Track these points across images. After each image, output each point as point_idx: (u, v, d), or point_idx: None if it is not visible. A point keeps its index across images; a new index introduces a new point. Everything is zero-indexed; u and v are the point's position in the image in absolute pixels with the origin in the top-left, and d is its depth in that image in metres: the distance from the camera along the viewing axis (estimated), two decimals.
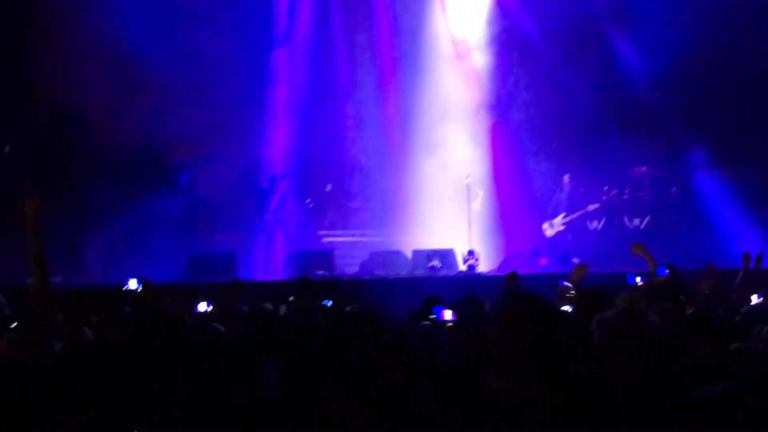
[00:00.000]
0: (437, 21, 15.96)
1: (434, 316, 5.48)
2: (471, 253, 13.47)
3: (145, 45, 14.22)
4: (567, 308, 6.01)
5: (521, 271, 12.68)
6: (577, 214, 14.48)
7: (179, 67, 14.40)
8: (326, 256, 13.43)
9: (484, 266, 13.92)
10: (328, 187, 15.60)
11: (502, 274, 13.01)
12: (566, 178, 14.64)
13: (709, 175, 14.86)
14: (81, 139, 14.30)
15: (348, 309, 6.58)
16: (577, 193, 14.92)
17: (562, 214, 14.60)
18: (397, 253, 13.97)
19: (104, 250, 13.66)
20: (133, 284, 6.99)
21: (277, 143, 15.39)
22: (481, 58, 15.75)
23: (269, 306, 7.27)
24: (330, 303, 6.90)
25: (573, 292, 6.22)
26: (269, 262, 13.87)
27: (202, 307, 7.44)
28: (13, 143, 13.69)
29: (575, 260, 13.47)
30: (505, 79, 15.87)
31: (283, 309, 7.51)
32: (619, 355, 3.56)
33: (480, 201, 14.74)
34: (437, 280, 12.15)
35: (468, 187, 14.28)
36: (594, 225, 14.76)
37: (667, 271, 6.70)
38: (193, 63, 14.60)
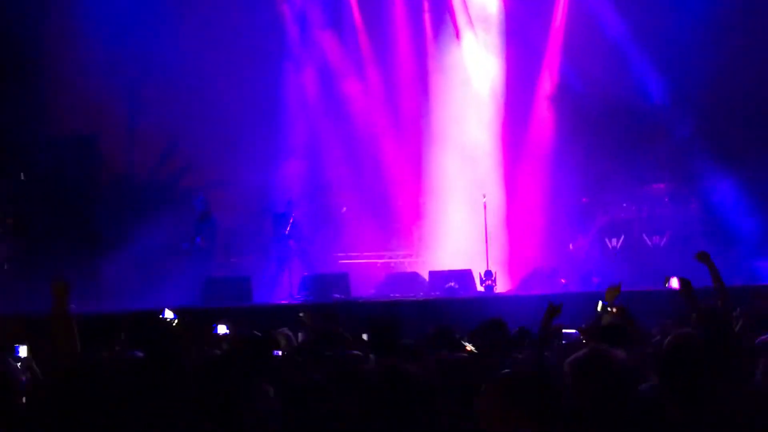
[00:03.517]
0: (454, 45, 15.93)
1: None
2: (488, 273, 13.30)
3: (157, 70, 14.25)
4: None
5: (541, 291, 12.63)
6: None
7: (192, 92, 14.43)
8: (342, 279, 13.29)
9: (502, 287, 13.75)
10: (344, 209, 15.51)
11: (522, 293, 12.95)
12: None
13: (730, 190, 14.66)
14: (94, 164, 14.29)
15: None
16: (595, 211, 14.81)
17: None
18: (414, 275, 13.83)
19: (119, 275, 13.61)
20: (169, 314, 6.79)
21: (292, 166, 15.33)
22: (496, 68, 15.69)
23: (286, 331, 7.10)
24: None
25: (614, 309, 6.14)
26: (285, 285, 13.75)
27: (222, 329, 7.31)
28: (26, 171, 13.67)
29: (595, 279, 13.29)
30: (523, 92, 15.80)
31: (300, 336, 7.39)
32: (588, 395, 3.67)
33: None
34: (454, 302, 11.99)
35: (485, 206, 14.14)
36: (613, 243, 14.59)
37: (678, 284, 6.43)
38: (205, 88, 14.63)
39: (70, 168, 14.04)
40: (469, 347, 5.20)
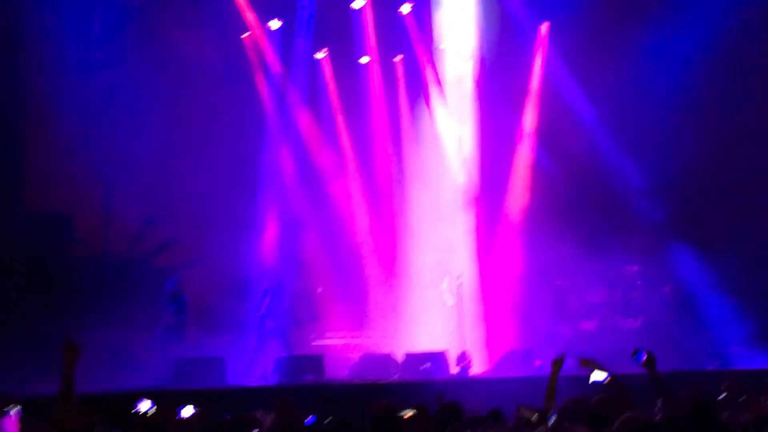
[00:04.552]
0: (428, 118, 16.23)
1: None
2: (463, 355, 13.26)
3: (134, 148, 14.36)
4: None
5: (515, 374, 12.60)
6: None
7: (168, 170, 14.52)
8: (316, 360, 13.20)
9: (477, 368, 13.70)
10: (319, 290, 15.49)
11: (495, 376, 12.89)
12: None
13: (704, 275, 14.80)
14: (69, 242, 14.24)
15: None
16: (569, 294, 14.89)
17: None
18: (388, 357, 13.76)
19: (92, 354, 13.41)
20: (145, 406, 6.65)
21: (267, 246, 15.36)
22: (472, 150, 15.93)
23: (259, 414, 7.01)
24: (313, 420, 6.62)
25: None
26: (259, 367, 13.62)
27: (188, 411, 7.15)
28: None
29: (568, 362, 13.26)
30: (497, 168, 16.02)
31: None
32: None
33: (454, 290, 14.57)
34: (429, 385, 11.91)
35: (461, 286, 14.19)
36: (587, 326, 14.63)
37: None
38: (181, 166, 14.73)
39: (44, 245, 13.97)
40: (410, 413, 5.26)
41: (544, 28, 16.08)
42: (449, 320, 14.47)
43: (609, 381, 6.12)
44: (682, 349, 12.93)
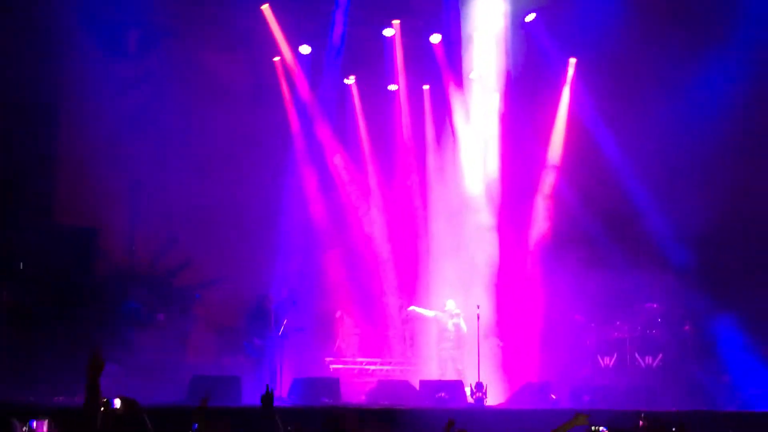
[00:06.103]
0: (454, 146, 16.32)
1: None
2: (479, 385, 13.23)
3: (161, 167, 14.52)
4: None
5: (531, 406, 12.56)
6: None
7: (193, 190, 14.66)
8: (332, 383, 13.21)
9: (492, 399, 13.65)
10: (338, 314, 15.54)
11: (512, 407, 12.84)
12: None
13: (723, 314, 14.69)
14: (92, 257, 14.38)
15: None
16: (588, 329, 14.83)
17: None
18: (405, 383, 13.76)
19: (110, 368, 13.52)
20: (117, 403, 6.89)
21: (287, 267, 15.45)
22: (496, 179, 15.98)
23: None
24: None
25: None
26: (275, 388, 13.66)
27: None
28: (25, 261, 13.76)
29: (585, 397, 13.21)
30: (520, 209, 16.06)
31: None
32: None
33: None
34: (443, 413, 11.88)
35: (478, 317, 14.16)
36: (605, 362, 14.56)
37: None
38: (206, 187, 14.88)
39: (68, 259, 14.10)
40: None
41: (572, 62, 16.19)
42: (457, 348, 14.50)
43: None
44: (700, 388, 12.84)
